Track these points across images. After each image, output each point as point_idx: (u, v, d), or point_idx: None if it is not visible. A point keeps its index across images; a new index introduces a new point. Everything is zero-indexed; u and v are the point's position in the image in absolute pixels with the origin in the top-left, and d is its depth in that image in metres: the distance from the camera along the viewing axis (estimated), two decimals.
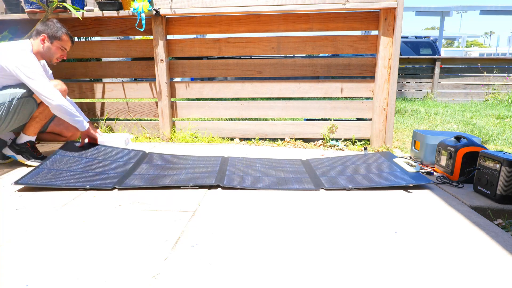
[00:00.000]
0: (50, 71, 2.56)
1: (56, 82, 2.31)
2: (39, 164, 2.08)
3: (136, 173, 2.07)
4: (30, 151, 2.33)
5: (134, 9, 2.78)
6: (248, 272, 1.14)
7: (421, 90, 7.35)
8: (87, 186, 1.87)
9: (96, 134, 2.42)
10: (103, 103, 3.27)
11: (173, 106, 3.17)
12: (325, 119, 3.22)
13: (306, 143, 3.08)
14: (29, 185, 1.86)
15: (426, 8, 23.35)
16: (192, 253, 1.25)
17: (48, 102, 2.14)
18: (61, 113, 2.20)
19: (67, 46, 2.33)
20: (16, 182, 1.87)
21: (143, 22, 2.83)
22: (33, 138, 2.35)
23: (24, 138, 2.31)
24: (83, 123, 2.30)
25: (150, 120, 3.43)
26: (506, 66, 7.19)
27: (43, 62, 2.43)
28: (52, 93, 2.15)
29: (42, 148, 2.84)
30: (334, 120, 3.07)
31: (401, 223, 1.50)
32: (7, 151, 2.35)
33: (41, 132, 2.57)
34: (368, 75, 3.00)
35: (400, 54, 7.42)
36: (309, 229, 1.44)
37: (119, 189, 1.87)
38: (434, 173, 2.24)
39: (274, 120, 3.64)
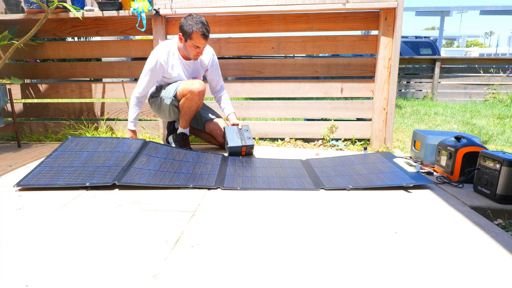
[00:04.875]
0: (203, 68, 2.62)
1: (192, 82, 2.39)
2: (40, 163, 2.08)
3: (135, 166, 2.07)
4: (180, 141, 2.59)
5: (134, 9, 2.78)
6: (248, 272, 1.14)
7: (421, 90, 7.35)
8: (87, 184, 1.87)
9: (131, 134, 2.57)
10: (103, 103, 3.27)
11: None
12: (325, 119, 3.22)
13: (306, 143, 3.08)
14: (30, 186, 1.86)
15: (426, 8, 23.33)
16: (192, 253, 1.25)
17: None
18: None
19: (199, 44, 2.28)
20: (18, 184, 1.87)
21: (144, 22, 2.84)
22: (185, 130, 2.58)
23: (179, 129, 2.60)
24: (128, 126, 2.52)
25: (150, 120, 3.43)
26: (506, 66, 7.19)
27: (206, 56, 2.57)
28: (134, 92, 2.45)
29: (42, 147, 2.84)
30: (334, 120, 3.07)
31: (401, 223, 1.50)
32: (170, 138, 2.71)
33: (200, 130, 2.79)
34: (368, 75, 3.00)
35: (400, 54, 7.42)
36: (309, 229, 1.44)
37: (119, 184, 1.87)
38: (434, 173, 2.24)
39: (274, 120, 3.64)
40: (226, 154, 2.51)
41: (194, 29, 2.21)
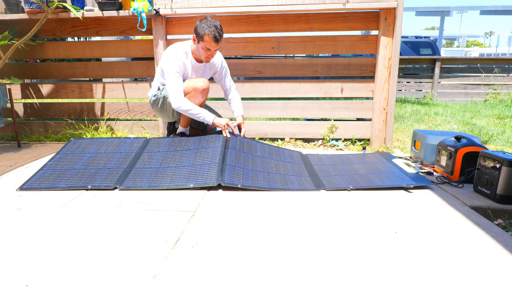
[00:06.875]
0: (214, 69, 2.56)
1: (196, 80, 2.37)
2: (43, 166, 2.08)
3: (137, 167, 2.06)
4: None
5: (134, 9, 2.78)
6: (248, 272, 1.13)
7: (421, 90, 7.34)
8: (89, 187, 1.87)
9: (222, 122, 2.38)
10: (103, 103, 3.27)
11: None
12: (325, 119, 3.22)
13: (306, 143, 3.08)
14: (33, 189, 1.86)
15: (426, 8, 23.33)
16: (192, 253, 1.25)
17: (171, 100, 2.31)
18: (182, 112, 2.35)
19: (210, 47, 2.27)
20: (21, 188, 1.87)
21: (145, 22, 2.84)
22: (184, 130, 2.58)
23: (179, 128, 2.60)
24: (206, 119, 2.34)
25: (150, 120, 3.43)
26: (506, 66, 7.18)
27: (218, 60, 2.53)
28: (174, 95, 2.28)
29: (42, 147, 2.85)
30: (334, 120, 3.07)
31: (402, 223, 1.50)
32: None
33: (200, 130, 2.72)
34: (368, 75, 3.00)
35: (400, 54, 7.42)
36: (309, 230, 1.44)
37: (120, 189, 1.87)
38: (434, 173, 2.24)
39: (274, 120, 3.63)
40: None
41: (207, 31, 2.22)
